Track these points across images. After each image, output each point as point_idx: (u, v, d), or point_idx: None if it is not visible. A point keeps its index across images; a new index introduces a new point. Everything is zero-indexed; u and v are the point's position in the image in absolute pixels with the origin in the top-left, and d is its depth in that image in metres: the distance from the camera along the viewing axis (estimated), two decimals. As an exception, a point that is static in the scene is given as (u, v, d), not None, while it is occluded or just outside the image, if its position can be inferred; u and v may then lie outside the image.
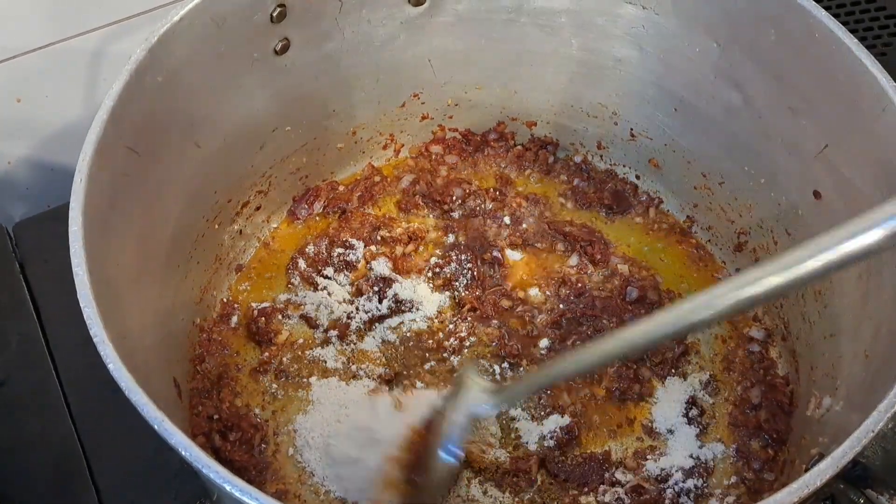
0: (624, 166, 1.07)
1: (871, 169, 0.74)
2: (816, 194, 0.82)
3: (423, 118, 1.07)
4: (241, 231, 0.98)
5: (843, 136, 0.78)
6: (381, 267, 0.98)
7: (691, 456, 0.86)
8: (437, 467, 0.78)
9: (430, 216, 1.05)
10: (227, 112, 0.87)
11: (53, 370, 0.95)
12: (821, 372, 0.80)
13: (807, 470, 0.54)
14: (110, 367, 0.58)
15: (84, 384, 0.94)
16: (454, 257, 0.99)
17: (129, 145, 0.73)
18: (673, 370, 0.92)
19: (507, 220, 1.04)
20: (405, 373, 0.93)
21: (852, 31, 0.74)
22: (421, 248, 1.02)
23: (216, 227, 0.93)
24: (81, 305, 0.61)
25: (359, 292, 0.96)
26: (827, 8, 0.90)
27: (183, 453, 0.55)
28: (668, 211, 1.05)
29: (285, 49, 0.88)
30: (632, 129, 1.02)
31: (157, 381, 0.75)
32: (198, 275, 0.90)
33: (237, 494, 0.53)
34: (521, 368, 0.93)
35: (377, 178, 1.07)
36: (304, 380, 0.91)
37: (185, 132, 0.82)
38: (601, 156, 1.08)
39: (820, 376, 0.80)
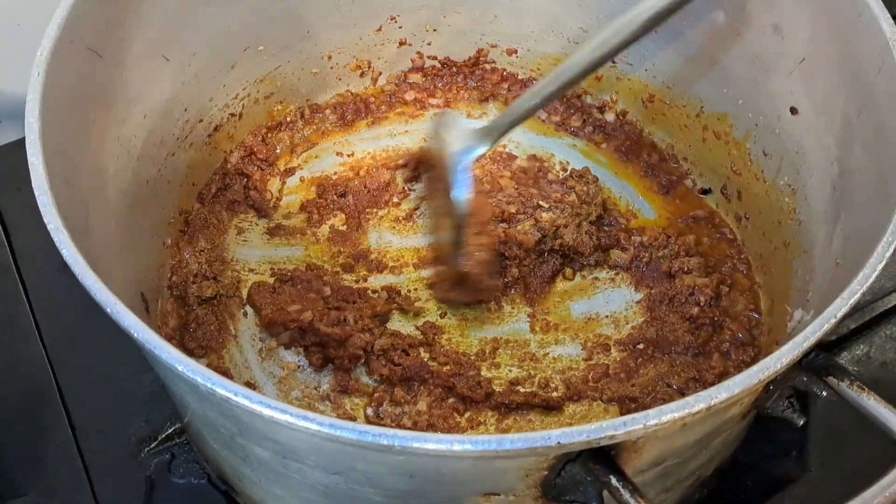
0: (605, 95, 1.06)
1: (845, 79, 0.73)
2: (793, 110, 0.81)
3: (401, 44, 1.05)
4: (210, 154, 0.97)
5: (820, 47, 0.76)
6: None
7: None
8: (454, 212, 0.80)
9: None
10: (197, 26, 0.85)
11: (25, 298, 0.94)
12: (795, 288, 0.79)
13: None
14: (64, 252, 0.57)
15: (56, 311, 0.93)
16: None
17: (91, 46, 0.72)
18: None
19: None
20: None
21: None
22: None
23: (188, 146, 0.91)
24: (36, 195, 0.60)
25: None
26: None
27: (135, 335, 0.54)
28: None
29: (258, -39, 0.87)
30: (612, 55, 1.00)
31: (121, 290, 0.73)
32: (168, 193, 0.89)
33: (189, 374, 0.52)
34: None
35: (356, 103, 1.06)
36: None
37: (153, 43, 0.81)
38: (582, 85, 1.06)
39: (794, 292, 0.79)
